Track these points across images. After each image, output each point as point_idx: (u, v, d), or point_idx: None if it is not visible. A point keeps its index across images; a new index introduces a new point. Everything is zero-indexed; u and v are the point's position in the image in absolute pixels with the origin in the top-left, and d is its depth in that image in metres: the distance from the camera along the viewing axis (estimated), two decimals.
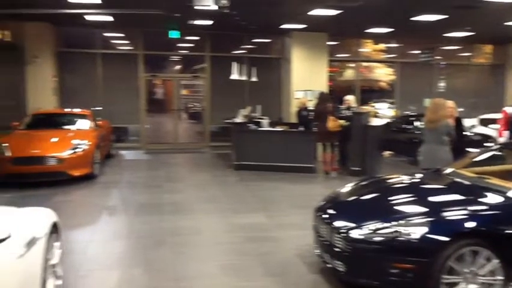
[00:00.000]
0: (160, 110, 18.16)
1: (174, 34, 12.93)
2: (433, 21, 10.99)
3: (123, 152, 12.66)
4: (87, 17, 10.91)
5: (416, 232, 3.78)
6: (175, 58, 17.49)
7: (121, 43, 14.96)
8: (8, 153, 8.33)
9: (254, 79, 12.90)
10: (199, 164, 11.80)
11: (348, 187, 5.21)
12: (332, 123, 9.49)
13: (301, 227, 6.10)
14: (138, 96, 13.75)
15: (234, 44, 14.72)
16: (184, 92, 17.11)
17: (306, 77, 13.24)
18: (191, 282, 4.60)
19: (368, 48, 16.08)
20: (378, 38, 15.25)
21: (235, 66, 12.31)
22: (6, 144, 8.50)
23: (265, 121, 10.65)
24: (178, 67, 18.25)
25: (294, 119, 11.78)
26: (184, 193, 8.38)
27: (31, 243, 3.36)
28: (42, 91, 12.42)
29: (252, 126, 10.48)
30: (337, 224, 4.27)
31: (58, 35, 12.95)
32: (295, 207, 7.38)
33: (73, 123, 10.10)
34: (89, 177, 8.96)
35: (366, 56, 16.08)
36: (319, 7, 9.74)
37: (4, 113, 10.51)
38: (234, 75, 12.32)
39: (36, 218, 3.82)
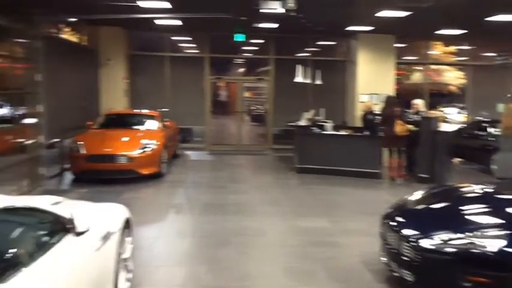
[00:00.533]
0: (223, 112, 18.51)
1: (239, 37, 13.11)
2: (510, 21, 10.36)
3: (188, 153, 13.00)
4: (157, 22, 11.30)
5: (493, 245, 3.58)
6: (239, 61, 17.77)
7: (188, 46, 15.39)
8: (83, 151, 8.82)
9: (318, 82, 12.78)
10: (261, 166, 11.88)
11: (417, 195, 5.02)
12: (400, 128, 9.21)
13: (365, 234, 5.98)
14: (203, 98, 14.07)
15: (298, 47, 14.69)
16: (247, 94, 17.32)
17: (372, 80, 12.95)
18: (254, 282, 4.64)
19: (437, 50, 15.45)
20: (448, 40, 14.61)
21: (299, 69, 12.26)
22: (82, 143, 8.99)
23: (328, 124, 10.53)
24: (242, 70, 18.53)
25: (358, 123, 11.56)
26: (247, 194, 8.46)
27: (106, 237, 3.53)
28: (114, 92, 13.04)
29: (316, 130, 10.40)
30: (406, 232, 4.14)
31: (129, 38, 13.53)
32: (360, 213, 7.23)
33: (142, 123, 10.51)
34: (156, 176, 9.27)
35: (435, 58, 15.45)
36: (387, 8, 9.49)
37: (80, 112, 11.13)
38: (298, 78, 12.27)
39: (111, 213, 4.01)
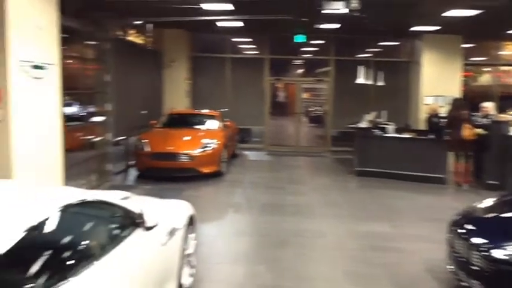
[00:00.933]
0: (282, 112, 18.50)
1: (299, 38, 13.05)
2: None
3: (246, 153, 13.13)
4: (219, 24, 11.51)
5: None
6: (298, 62, 17.69)
7: (248, 48, 15.55)
8: (147, 149, 9.14)
9: (380, 83, 12.49)
10: (320, 168, 11.77)
11: (487, 202, 4.78)
12: (468, 132, 8.80)
13: (429, 240, 5.78)
14: (262, 99, 14.16)
15: (360, 47, 14.43)
16: (305, 95, 17.22)
17: (437, 81, 12.48)
18: (313, 284, 4.61)
19: (508, 51, 14.62)
20: None
21: (361, 70, 12.03)
22: (146, 141, 9.33)
23: (391, 127, 10.25)
24: (300, 71, 18.44)
25: (422, 126, 11.17)
26: (306, 196, 8.41)
27: (172, 232, 3.63)
28: (176, 93, 13.43)
29: (377, 132, 10.16)
30: (476, 240, 3.94)
31: (192, 40, 13.88)
32: (423, 219, 6.99)
33: (203, 123, 10.74)
34: (216, 175, 9.44)
35: (505, 59, 14.64)
36: (456, 7, 9.10)
37: (147, 112, 11.59)
38: (360, 79, 12.05)
39: (176, 209, 4.13)
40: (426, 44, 12.63)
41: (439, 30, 11.65)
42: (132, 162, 9.74)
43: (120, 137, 9.64)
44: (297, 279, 4.68)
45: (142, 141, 9.34)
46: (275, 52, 14.13)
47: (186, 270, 4.09)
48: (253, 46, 15.17)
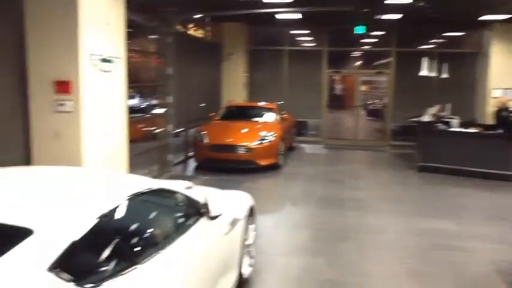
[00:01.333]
0: (339, 105, 18.25)
1: (359, 30, 12.75)
2: None
3: (303, 145, 13.05)
4: (278, 16, 11.47)
5: None
6: (357, 54, 17.33)
7: (306, 40, 15.41)
8: (206, 141, 9.31)
9: (445, 75, 11.97)
10: (379, 162, 11.50)
11: None
12: None
13: (498, 240, 5.51)
14: (319, 92, 14.00)
15: (423, 38, 13.90)
16: (363, 88, 16.86)
17: (507, 73, 11.81)
18: (375, 281, 4.50)
19: None
20: None
21: (425, 62, 11.58)
22: (205, 132, 9.50)
23: (455, 121, 9.81)
24: (359, 63, 18.07)
25: (489, 120, 10.62)
26: (365, 191, 8.25)
27: (234, 223, 3.68)
28: (234, 85, 13.58)
29: (441, 126, 9.76)
30: None
31: (250, 33, 13.94)
32: (490, 217, 6.66)
33: (261, 115, 10.78)
34: (273, 168, 9.46)
35: None
36: None
37: (205, 104, 11.81)
38: (423, 72, 11.60)
39: (237, 200, 4.17)
40: (496, 33, 11.97)
41: (510, 19, 10.98)
42: (190, 154, 9.96)
43: (179, 128, 9.88)
44: (358, 275, 4.59)
45: (202, 133, 9.52)
46: (333, 44, 13.92)
47: (246, 260, 4.14)
48: (311, 38, 15.02)
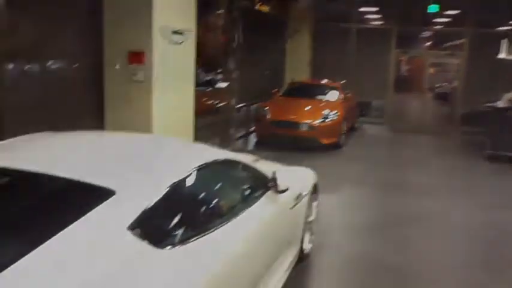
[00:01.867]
0: (405, 87, 17.60)
1: (433, 8, 12.16)
2: None
3: (365, 126, 12.76)
4: None
5: None
6: (426, 34, 16.57)
7: (375, 18, 14.90)
8: (268, 116, 9.32)
9: None
10: (446, 148, 11.02)
11: None
12: None
13: None
14: (386, 72, 13.56)
15: (503, 18, 13.01)
16: (431, 70, 16.17)
17: None
18: (442, 268, 4.35)
19: None
20: None
21: (504, 44, 10.86)
22: (267, 108, 9.50)
23: None
24: (429, 43, 17.31)
25: None
26: (430, 177, 7.95)
27: (299, 198, 3.68)
28: (297, 63, 13.42)
29: None
30: None
31: (316, 10, 13.63)
32: None
33: (324, 94, 10.62)
34: (335, 147, 9.34)
35: None
36: None
37: (266, 80, 11.78)
38: (502, 54, 10.90)
39: (302, 176, 4.17)
40: None
41: None
42: (252, 129, 10.03)
43: (242, 103, 9.94)
44: (426, 263, 4.43)
45: (264, 108, 9.53)
46: (403, 23, 13.33)
47: (307, 236, 4.15)
48: (380, 16, 14.50)
